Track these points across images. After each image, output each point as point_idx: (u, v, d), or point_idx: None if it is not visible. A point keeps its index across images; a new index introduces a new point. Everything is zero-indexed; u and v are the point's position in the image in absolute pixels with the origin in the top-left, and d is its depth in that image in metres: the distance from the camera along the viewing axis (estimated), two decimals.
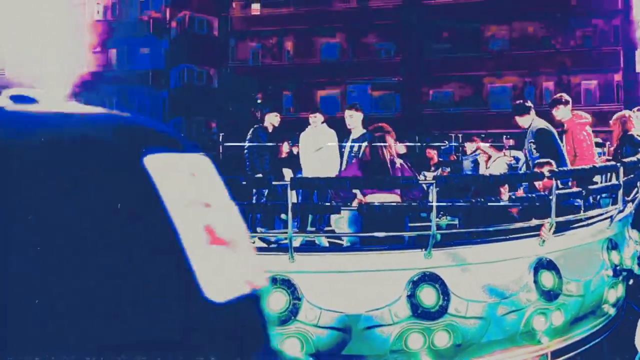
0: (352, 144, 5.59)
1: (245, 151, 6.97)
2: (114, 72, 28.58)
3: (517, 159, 8.27)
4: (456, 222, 6.50)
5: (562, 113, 5.66)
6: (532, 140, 5.00)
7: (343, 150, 5.87)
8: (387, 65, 26.58)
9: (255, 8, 28.33)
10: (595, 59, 24.22)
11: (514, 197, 4.22)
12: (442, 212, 5.42)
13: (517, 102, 5.73)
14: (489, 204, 4.09)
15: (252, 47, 28.32)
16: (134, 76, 28.39)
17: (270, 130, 6.95)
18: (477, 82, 25.59)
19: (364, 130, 5.65)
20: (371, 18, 26.15)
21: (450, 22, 25.66)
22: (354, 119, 5.74)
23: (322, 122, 6.69)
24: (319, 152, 6.53)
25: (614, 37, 24.45)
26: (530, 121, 5.33)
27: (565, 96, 5.90)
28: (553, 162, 4.65)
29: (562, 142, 5.81)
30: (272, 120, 6.95)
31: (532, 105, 5.56)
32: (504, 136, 9.18)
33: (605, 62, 24.14)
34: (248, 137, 6.97)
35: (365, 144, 6.69)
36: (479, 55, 25.51)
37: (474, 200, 4.16)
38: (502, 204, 3.86)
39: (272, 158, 6.93)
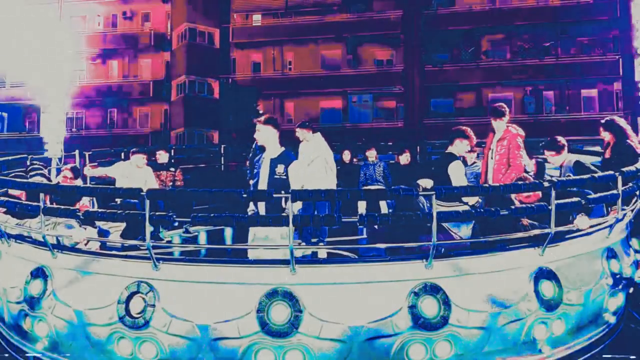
0: (273, 164, 4.72)
1: (248, 165, 7.04)
2: (114, 83, 28.73)
3: None
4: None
5: (501, 124, 6.00)
6: (570, 174, 5.00)
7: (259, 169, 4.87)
8: (389, 75, 26.69)
9: (256, 19, 28.54)
10: (594, 67, 24.32)
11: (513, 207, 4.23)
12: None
13: (550, 139, 5.57)
14: (488, 214, 4.11)
15: (253, 58, 28.48)
16: (135, 87, 28.54)
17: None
18: (477, 92, 25.70)
19: (283, 148, 4.80)
20: (372, 28, 26.30)
21: (451, 32, 25.82)
22: (270, 136, 4.75)
23: (314, 133, 6.74)
24: (312, 164, 6.57)
25: (613, 46, 24.57)
26: (564, 158, 5.37)
27: (505, 107, 6.12)
28: (531, 177, 4.73)
29: (495, 148, 5.95)
30: None
31: (565, 144, 5.47)
32: None
33: (604, 71, 24.23)
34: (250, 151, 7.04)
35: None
36: (480, 65, 25.63)
37: (473, 211, 4.18)
38: (501, 214, 3.88)
39: None
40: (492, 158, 6.05)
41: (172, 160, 9.11)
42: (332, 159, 6.84)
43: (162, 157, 8.53)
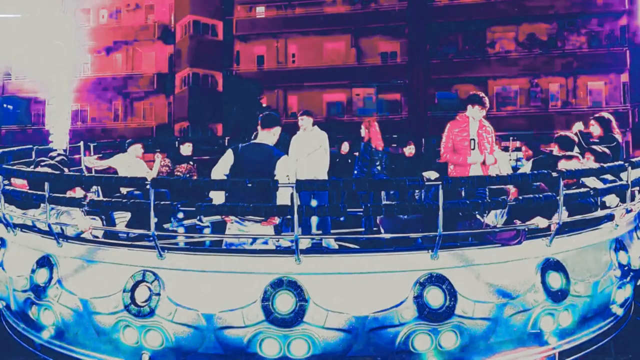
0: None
1: None
2: (119, 76, 28.72)
3: (520, 160, 8.29)
4: None
5: (482, 114, 5.75)
6: None
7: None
8: (393, 67, 26.55)
9: (260, 11, 28.42)
10: (601, 59, 24.11)
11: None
12: None
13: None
14: (494, 204, 4.08)
15: (257, 50, 28.39)
16: (139, 80, 28.53)
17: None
18: (482, 84, 25.52)
19: None
20: (377, 20, 26.14)
21: (456, 24, 25.63)
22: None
23: (313, 125, 6.71)
24: (311, 155, 6.55)
25: (620, 38, 24.35)
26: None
27: (487, 100, 5.86)
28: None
29: (477, 139, 5.75)
30: None
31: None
32: (510, 138, 9.16)
33: (611, 63, 24.02)
34: None
35: None
36: (485, 57, 25.46)
37: (480, 201, 4.15)
38: (509, 204, 3.86)
39: None
40: (473, 148, 5.77)
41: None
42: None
43: (186, 149, 8.28)
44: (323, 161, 6.61)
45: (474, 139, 5.77)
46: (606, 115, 6.23)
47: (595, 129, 6.04)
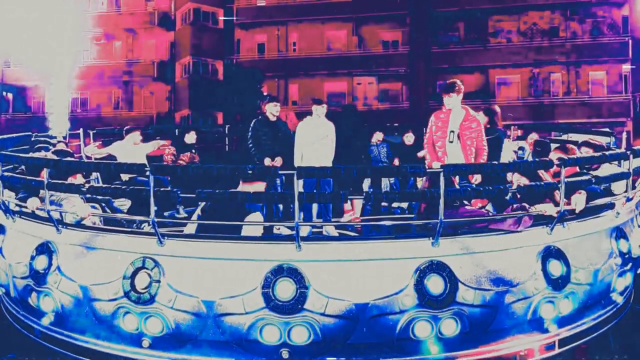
0: None
1: (249, 143, 6.99)
2: (119, 64, 28.55)
3: (522, 149, 8.26)
4: None
5: (452, 100, 5.48)
6: None
7: None
8: (394, 56, 26.41)
9: None
10: (603, 49, 23.97)
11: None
12: None
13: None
14: (497, 192, 4.06)
15: (258, 38, 28.21)
16: (139, 68, 28.37)
17: (272, 120, 6.94)
18: (484, 73, 25.39)
19: None
20: (378, 8, 25.94)
21: (458, 13, 25.44)
22: None
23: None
24: (316, 144, 6.54)
25: (622, 28, 24.19)
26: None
27: (460, 84, 5.59)
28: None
29: (457, 131, 5.54)
30: (270, 109, 6.97)
31: None
32: (512, 126, 9.12)
33: (613, 53, 23.88)
34: (250, 130, 7.02)
35: None
36: (487, 47, 25.31)
37: (481, 189, 4.13)
38: (512, 190, 3.84)
39: (270, 147, 6.86)
40: (452, 141, 5.47)
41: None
42: None
43: (191, 137, 8.37)
44: (329, 150, 6.62)
45: (453, 131, 5.45)
46: (496, 108, 6.51)
47: (482, 118, 6.11)
